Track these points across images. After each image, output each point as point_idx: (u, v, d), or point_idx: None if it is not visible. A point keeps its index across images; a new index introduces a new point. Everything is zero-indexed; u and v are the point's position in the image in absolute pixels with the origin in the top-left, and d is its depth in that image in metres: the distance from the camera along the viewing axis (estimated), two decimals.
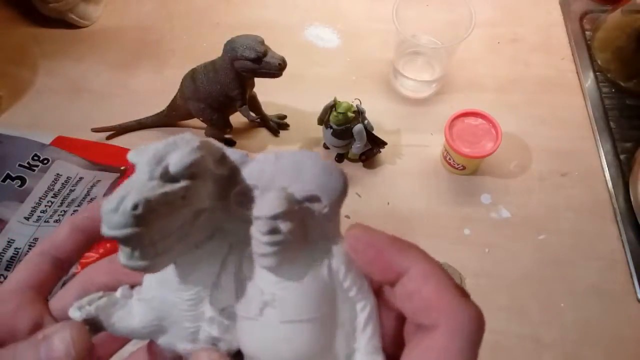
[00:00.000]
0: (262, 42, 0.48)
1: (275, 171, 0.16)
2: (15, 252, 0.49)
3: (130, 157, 0.15)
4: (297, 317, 0.16)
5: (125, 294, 0.18)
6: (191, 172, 0.14)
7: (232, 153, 0.17)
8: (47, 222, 0.51)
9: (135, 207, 0.13)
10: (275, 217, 0.15)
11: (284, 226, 0.15)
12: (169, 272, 0.17)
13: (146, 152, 0.14)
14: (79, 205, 0.52)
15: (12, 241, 0.49)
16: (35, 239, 0.50)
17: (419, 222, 0.56)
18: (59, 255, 0.20)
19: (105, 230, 0.14)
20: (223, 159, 0.16)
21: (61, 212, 0.52)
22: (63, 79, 0.70)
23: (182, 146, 0.15)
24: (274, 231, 0.15)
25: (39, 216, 0.52)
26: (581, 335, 0.49)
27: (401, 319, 0.17)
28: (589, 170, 0.59)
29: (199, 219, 0.16)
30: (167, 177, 0.14)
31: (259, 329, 0.16)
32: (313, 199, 0.16)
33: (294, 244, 0.15)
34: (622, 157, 0.59)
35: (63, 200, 0.53)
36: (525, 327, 0.50)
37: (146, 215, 0.14)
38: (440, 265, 0.16)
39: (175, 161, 0.14)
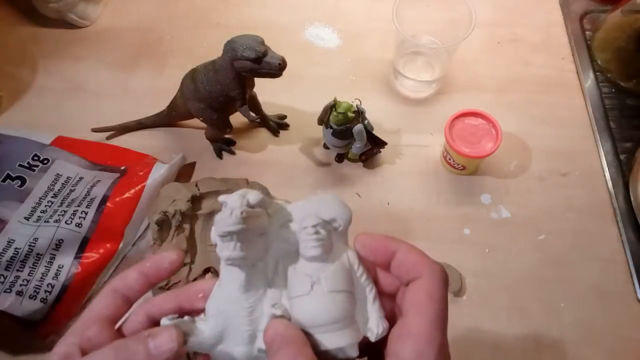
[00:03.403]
0: (262, 42, 0.48)
1: (307, 207, 0.26)
2: (15, 252, 0.49)
3: (221, 198, 0.23)
4: (336, 288, 0.24)
5: (190, 319, 0.24)
6: (260, 204, 0.24)
7: (277, 202, 0.26)
8: (47, 222, 0.51)
9: (242, 213, 0.22)
10: (315, 226, 0.24)
11: (322, 231, 0.25)
12: (233, 289, 0.24)
13: (233, 195, 0.23)
14: (78, 205, 0.52)
15: (12, 241, 0.49)
16: (35, 239, 0.50)
17: (419, 222, 0.56)
18: (128, 294, 0.26)
19: (225, 228, 0.22)
20: (270, 204, 0.26)
21: (61, 212, 0.52)
22: (63, 79, 0.70)
23: (252, 192, 0.24)
24: (317, 232, 0.24)
25: (39, 216, 0.52)
26: (581, 335, 0.49)
27: (392, 298, 0.26)
28: (589, 170, 0.59)
29: (262, 237, 0.25)
30: (249, 205, 0.23)
31: (312, 299, 0.24)
32: (334, 220, 0.25)
33: (328, 243, 0.25)
34: (622, 157, 0.59)
35: (63, 200, 0.53)
36: (525, 327, 0.50)
37: (246, 220, 0.22)
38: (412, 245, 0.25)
39: (253, 197, 0.23)
